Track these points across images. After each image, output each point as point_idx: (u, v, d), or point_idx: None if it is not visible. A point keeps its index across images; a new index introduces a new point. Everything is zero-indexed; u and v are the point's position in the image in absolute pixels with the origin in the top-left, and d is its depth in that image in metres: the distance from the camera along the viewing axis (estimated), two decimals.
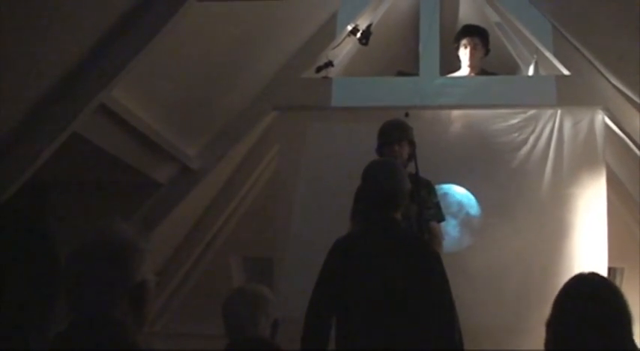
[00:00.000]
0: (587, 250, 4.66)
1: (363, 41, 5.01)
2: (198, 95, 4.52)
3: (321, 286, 3.28)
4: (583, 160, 4.80)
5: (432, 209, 4.25)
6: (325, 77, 5.08)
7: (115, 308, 1.70)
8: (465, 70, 5.31)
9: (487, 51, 5.31)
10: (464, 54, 5.29)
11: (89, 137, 3.92)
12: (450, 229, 4.67)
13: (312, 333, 3.23)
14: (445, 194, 4.74)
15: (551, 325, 2.12)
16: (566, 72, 4.94)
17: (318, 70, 5.06)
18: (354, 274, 3.19)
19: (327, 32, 5.23)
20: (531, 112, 4.94)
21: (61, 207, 4.59)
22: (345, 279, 3.22)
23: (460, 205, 4.88)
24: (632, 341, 2.04)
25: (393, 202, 3.29)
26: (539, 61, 5.06)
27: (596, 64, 4.83)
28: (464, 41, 5.28)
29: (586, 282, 2.17)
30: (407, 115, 4.62)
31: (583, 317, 2.04)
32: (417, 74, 5.18)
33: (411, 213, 3.92)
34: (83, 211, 4.44)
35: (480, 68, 5.32)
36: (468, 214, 4.87)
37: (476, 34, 5.30)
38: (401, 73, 5.50)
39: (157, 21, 3.58)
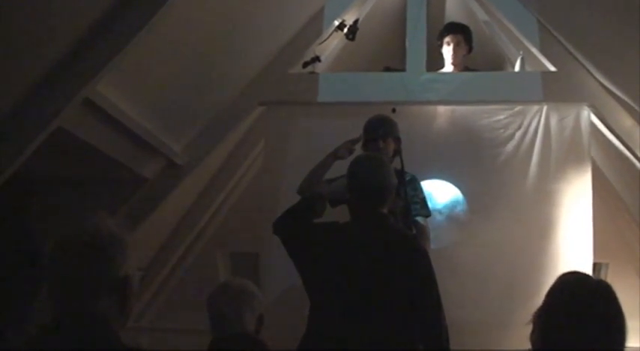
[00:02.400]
0: (573, 245, 4.67)
1: (350, 36, 5.01)
2: (185, 90, 4.50)
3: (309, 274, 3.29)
4: (569, 156, 4.82)
5: (419, 204, 4.25)
6: (312, 72, 5.08)
7: (97, 303, 1.69)
8: (448, 68, 5.33)
9: (470, 48, 5.33)
10: (447, 51, 5.32)
11: (74, 132, 3.89)
12: (436, 224, 4.66)
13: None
14: (430, 190, 4.73)
15: (541, 316, 2.11)
16: (552, 68, 4.96)
17: (305, 65, 5.05)
18: (336, 268, 3.18)
19: (314, 27, 5.24)
20: (517, 108, 4.95)
21: (45, 202, 4.56)
22: (326, 272, 3.21)
23: (446, 200, 4.88)
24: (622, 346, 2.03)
25: (380, 197, 3.28)
26: (526, 58, 5.07)
27: (583, 60, 4.85)
28: (447, 39, 5.31)
29: (584, 280, 2.16)
30: (394, 110, 4.62)
31: (576, 314, 2.03)
32: (403, 70, 5.19)
33: (396, 208, 3.92)
34: (68, 206, 4.42)
35: (463, 66, 5.34)
36: (453, 209, 4.87)
37: (459, 31, 5.32)
38: (388, 69, 5.50)
39: (142, 15, 3.56)
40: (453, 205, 4.88)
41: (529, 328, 2.14)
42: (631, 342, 2.09)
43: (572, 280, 2.16)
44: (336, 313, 3.14)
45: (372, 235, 3.22)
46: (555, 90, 4.90)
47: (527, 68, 5.08)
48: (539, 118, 4.89)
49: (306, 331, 3.24)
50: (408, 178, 4.19)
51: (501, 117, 4.94)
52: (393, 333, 3.07)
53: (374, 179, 3.27)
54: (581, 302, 2.05)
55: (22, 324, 1.60)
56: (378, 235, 3.23)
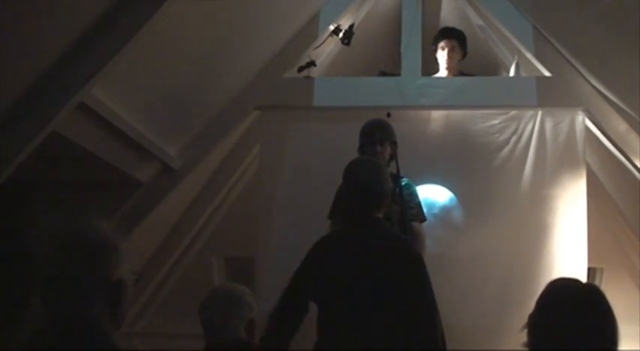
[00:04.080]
0: (567, 250, 4.68)
1: (346, 41, 5.02)
2: (180, 94, 4.50)
3: (294, 284, 3.26)
4: (563, 161, 4.83)
5: (414, 209, 4.25)
6: (307, 77, 5.08)
7: (91, 307, 1.69)
8: (443, 73, 5.34)
9: (465, 54, 5.34)
10: (442, 56, 5.32)
11: (69, 136, 3.89)
12: (432, 229, 4.66)
13: (274, 330, 3.20)
14: (426, 194, 4.73)
15: (534, 326, 2.11)
16: (547, 73, 4.97)
17: (300, 69, 5.06)
18: (334, 274, 3.17)
19: (310, 32, 5.24)
20: (512, 112, 4.97)
21: (39, 206, 4.55)
22: (325, 279, 3.20)
23: (441, 205, 4.88)
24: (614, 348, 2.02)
25: (375, 201, 3.26)
26: (521, 63, 5.08)
27: (577, 65, 4.87)
28: (441, 44, 5.32)
29: (573, 284, 2.16)
30: (389, 115, 4.62)
31: (566, 319, 2.03)
32: (398, 74, 5.20)
33: (392, 213, 3.91)
34: (62, 211, 4.40)
35: (457, 70, 5.35)
36: (449, 214, 4.88)
37: (453, 36, 5.33)
38: (383, 74, 5.51)
39: (137, 19, 3.56)
40: (448, 210, 4.89)
41: (524, 333, 2.14)
42: (629, 346, 2.09)
43: (561, 285, 2.16)
44: (336, 319, 3.14)
45: (367, 240, 3.21)
46: (550, 95, 4.91)
47: (522, 73, 5.09)
48: (534, 123, 4.91)
49: (317, 340, 3.22)
50: (403, 183, 4.19)
51: (496, 122, 4.96)
52: (389, 337, 3.06)
53: (370, 183, 3.26)
54: (571, 306, 2.05)
55: (15, 327, 1.60)
56: (372, 240, 3.22)
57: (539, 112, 4.92)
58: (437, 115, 5.12)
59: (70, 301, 1.69)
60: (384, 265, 3.15)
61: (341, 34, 5.00)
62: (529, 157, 4.86)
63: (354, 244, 3.21)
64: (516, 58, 5.08)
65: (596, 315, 2.03)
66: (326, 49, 5.34)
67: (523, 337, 2.13)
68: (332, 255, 3.23)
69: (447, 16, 5.89)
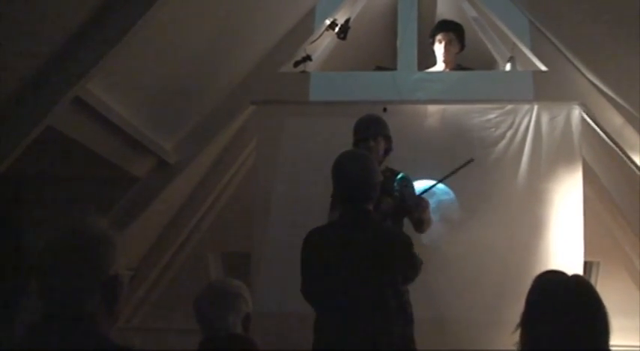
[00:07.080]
0: (564, 244, 4.68)
1: (341, 36, 5.02)
2: (176, 89, 4.49)
3: (305, 282, 3.29)
4: (560, 155, 4.83)
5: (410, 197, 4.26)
6: (303, 72, 5.08)
7: (86, 302, 1.69)
8: (440, 66, 5.34)
9: (462, 47, 5.34)
10: (439, 49, 5.32)
11: (64, 131, 3.88)
12: None
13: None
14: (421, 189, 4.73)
15: (524, 322, 2.12)
16: (543, 67, 4.98)
17: (296, 64, 5.06)
18: (323, 266, 3.20)
19: (305, 26, 5.24)
20: (508, 107, 4.96)
21: (35, 201, 4.54)
22: (317, 271, 3.22)
23: (437, 200, 4.88)
24: (606, 340, 2.03)
25: (363, 193, 3.28)
26: (517, 57, 5.08)
27: (573, 59, 4.87)
28: (439, 36, 5.31)
29: (560, 280, 2.16)
30: (385, 109, 4.62)
31: (557, 316, 2.03)
32: (394, 69, 5.20)
33: (388, 208, 3.92)
34: (58, 206, 4.40)
35: (455, 64, 5.35)
36: (445, 208, 4.87)
37: (451, 29, 5.32)
38: (379, 68, 5.51)
39: (133, 13, 3.55)
40: (444, 204, 4.88)
41: (517, 332, 2.14)
42: (626, 340, 2.09)
43: (546, 281, 2.16)
44: (328, 315, 3.16)
45: (356, 233, 3.23)
46: (546, 89, 4.92)
47: (518, 67, 5.10)
48: (530, 117, 4.91)
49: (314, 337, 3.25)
50: (399, 176, 4.18)
51: (492, 116, 4.96)
52: (382, 331, 3.08)
53: (359, 176, 3.27)
54: (558, 302, 2.05)
55: (11, 323, 1.59)
56: (361, 233, 3.24)
57: (535, 107, 4.91)
58: (433, 110, 5.11)
59: (65, 297, 1.69)
60: (373, 257, 3.17)
61: (337, 29, 5.00)
62: (525, 151, 4.86)
63: (342, 237, 3.24)
64: (512, 51, 5.08)
65: (585, 309, 2.03)
66: (322, 44, 5.34)
67: (516, 336, 2.14)
68: (321, 249, 3.26)
69: (443, 10, 5.89)
